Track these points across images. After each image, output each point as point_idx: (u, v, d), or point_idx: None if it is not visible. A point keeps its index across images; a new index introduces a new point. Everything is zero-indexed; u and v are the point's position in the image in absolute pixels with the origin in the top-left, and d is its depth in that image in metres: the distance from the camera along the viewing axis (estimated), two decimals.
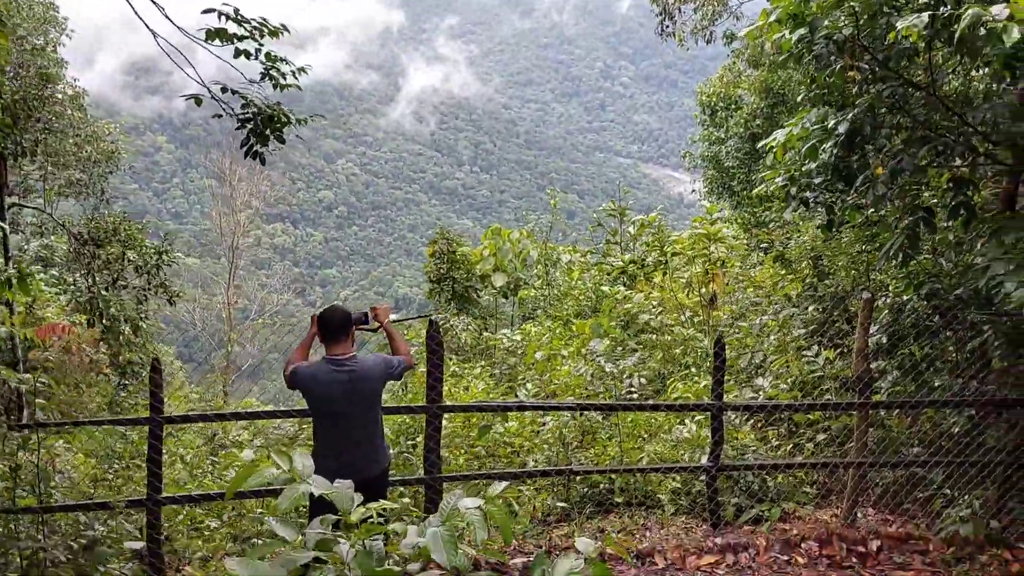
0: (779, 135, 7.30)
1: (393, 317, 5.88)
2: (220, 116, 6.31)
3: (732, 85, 22.96)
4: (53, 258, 19.65)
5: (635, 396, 9.34)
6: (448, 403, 7.12)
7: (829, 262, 10.56)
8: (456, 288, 17.30)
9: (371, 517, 2.74)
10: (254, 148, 6.35)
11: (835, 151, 7.11)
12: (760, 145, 7.98)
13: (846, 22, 6.01)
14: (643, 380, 9.49)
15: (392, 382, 5.67)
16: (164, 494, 6.34)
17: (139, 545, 5.78)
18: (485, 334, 14.43)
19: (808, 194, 7.73)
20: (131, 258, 15.16)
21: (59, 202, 22.08)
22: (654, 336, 12.25)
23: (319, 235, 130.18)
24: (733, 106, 23.25)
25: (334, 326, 5.28)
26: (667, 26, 19.09)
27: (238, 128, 6.30)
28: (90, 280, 14.47)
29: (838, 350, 8.96)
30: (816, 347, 9.09)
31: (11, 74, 14.23)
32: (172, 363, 25.12)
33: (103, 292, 14.57)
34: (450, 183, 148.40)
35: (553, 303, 15.01)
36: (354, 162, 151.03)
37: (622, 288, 13.73)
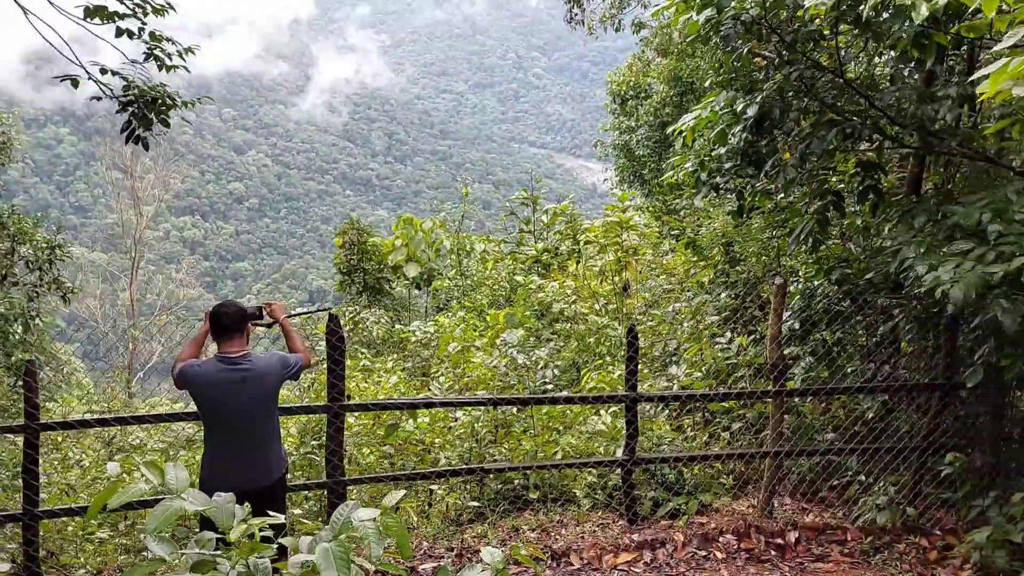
0: (688, 119, 7.17)
1: (299, 310, 5.54)
2: (100, 99, 5.83)
3: (641, 74, 23.02)
4: None
5: (549, 388, 9.14)
6: (351, 401, 6.79)
7: (740, 248, 10.55)
8: (367, 279, 16.84)
9: (257, 532, 2.45)
10: (136, 132, 5.86)
11: (744, 135, 7.03)
12: (669, 131, 7.86)
13: (753, 3, 5.87)
14: (557, 371, 9.29)
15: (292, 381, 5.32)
16: (46, 507, 5.87)
17: (5, 567, 5.30)
18: (397, 326, 14.07)
19: (718, 179, 7.63)
20: (22, 253, 14.29)
21: None
22: (568, 325, 12.10)
23: (230, 228, 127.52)
24: (643, 95, 23.32)
25: (227, 322, 4.93)
26: (576, 14, 18.99)
27: (118, 111, 5.82)
28: None
29: (751, 336, 8.93)
30: (729, 334, 9.03)
31: None
32: (71, 362, 24.00)
33: None
34: (364, 173, 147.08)
35: (467, 293, 14.73)
36: (265, 153, 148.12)
37: (536, 277, 13.54)
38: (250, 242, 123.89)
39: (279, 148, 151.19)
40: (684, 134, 7.21)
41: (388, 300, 17.15)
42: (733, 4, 5.82)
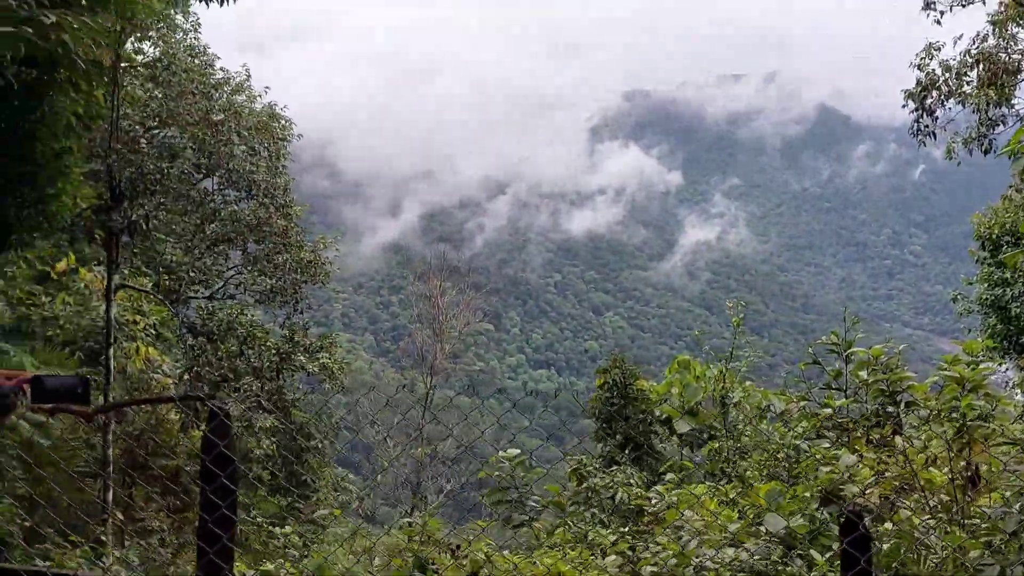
0: None
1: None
2: None
3: (1022, 212, 18.19)
4: None
5: None
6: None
7: None
8: (630, 432, 13.72)
9: None
10: None
11: None
12: None
13: None
14: None
15: None
16: None
17: None
18: (635, 490, 10.83)
19: None
20: (250, 358, 13.24)
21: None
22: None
23: (581, 384, 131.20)
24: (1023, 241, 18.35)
25: None
26: (925, 126, 15.05)
27: None
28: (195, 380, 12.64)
29: None
30: None
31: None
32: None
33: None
34: (718, 343, 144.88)
35: (731, 459, 11.18)
36: (621, 315, 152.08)
37: (830, 446, 9.75)
38: None
39: (634, 311, 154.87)
40: None
41: (656, 461, 13.87)
42: None
